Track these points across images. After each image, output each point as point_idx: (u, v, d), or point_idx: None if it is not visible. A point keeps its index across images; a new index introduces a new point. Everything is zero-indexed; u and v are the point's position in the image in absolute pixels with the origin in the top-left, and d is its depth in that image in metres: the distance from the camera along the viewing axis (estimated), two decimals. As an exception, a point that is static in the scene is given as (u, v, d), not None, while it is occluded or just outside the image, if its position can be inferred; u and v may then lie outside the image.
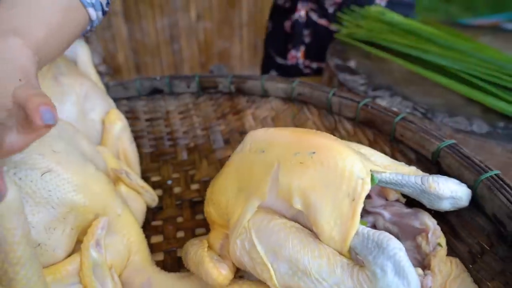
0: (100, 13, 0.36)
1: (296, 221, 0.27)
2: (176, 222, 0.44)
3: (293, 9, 0.80)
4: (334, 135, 0.41)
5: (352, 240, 0.24)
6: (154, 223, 0.44)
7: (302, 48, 0.79)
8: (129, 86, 0.52)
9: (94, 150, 0.37)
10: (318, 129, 0.44)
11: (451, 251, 0.29)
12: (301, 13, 0.78)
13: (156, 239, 0.42)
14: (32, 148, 0.29)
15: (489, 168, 0.28)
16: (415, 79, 0.53)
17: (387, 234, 0.23)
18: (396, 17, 0.66)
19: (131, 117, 0.52)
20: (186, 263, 0.35)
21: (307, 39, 0.79)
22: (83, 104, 0.41)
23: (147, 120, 0.53)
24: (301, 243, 0.25)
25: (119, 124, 0.43)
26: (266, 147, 0.31)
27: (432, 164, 0.33)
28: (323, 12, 0.76)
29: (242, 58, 2.81)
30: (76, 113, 0.41)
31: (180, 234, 0.43)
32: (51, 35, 0.30)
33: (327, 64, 0.59)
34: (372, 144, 0.39)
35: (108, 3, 0.40)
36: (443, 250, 0.27)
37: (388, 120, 0.37)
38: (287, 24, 0.82)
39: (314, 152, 0.27)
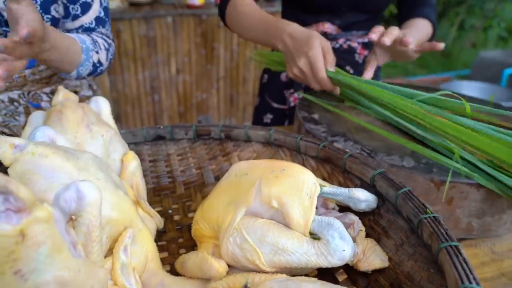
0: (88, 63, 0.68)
1: (272, 219, 0.39)
2: (177, 242, 0.55)
3: None
4: (302, 169, 0.54)
5: (311, 224, 0.36)
6: (160, 243, 0.54)
7: (302, 91, 0.96)
8: (137, 134, 0.64)
9: (119, 180, 0.48)
10: (290, 165, 0.57)
11: (384, 246, 0.42)
12: None
13: (163, 255, 0.52)
14: (84, 176, 0.40)
15: (404, 186, 0.41)
16: (363, 128, 0.68)
17: (332, 217, 0.36)
18: (348, 78, 0.83)
19: (138, 158, 0.63)
20: (185, 269, 0.45)
21: (303, 85, 0.97)
22: (108, 146, 0.53)
23: (150, 161, 0.65)
24: (279, 231, 0.37)
25: (134, 163, 0.54)
26: (249, 171, 0.44)
27: (370, 187, 0.46)
28: None
29: (219, 108, 2.99)
30: (103, 153, 0.52)
31: (182, 251, 0.53)
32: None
33: (296, 115, 0.73)
34: (330, 176, 0.52)
35: (99, 65, 0.65)
36: (362, 233, 0.42)
37: (340, 157, 0.50)
38: (284, 75, 1.00)
39: (284, 169, 0.40)
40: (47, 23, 0.54)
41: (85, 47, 0.67)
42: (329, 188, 0.43)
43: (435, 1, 0.91)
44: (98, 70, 0.75)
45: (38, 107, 0.83)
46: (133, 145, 0.64)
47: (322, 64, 0.69)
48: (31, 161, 0.39)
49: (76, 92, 0.89)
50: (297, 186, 0.39)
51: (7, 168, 0.39)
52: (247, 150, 0.62)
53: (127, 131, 0.63)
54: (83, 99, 0.91)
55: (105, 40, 0.77)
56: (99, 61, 0.73)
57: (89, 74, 0.74)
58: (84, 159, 0.43)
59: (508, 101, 3.28)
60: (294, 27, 0.73)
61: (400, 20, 0.92)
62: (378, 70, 1.01)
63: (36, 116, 0.53)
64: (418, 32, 0.81)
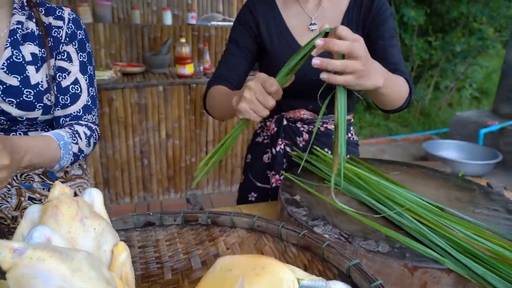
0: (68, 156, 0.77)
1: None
2: (164, 333, 0.56)
3: (271, 144, 1.04)
4: (284, 257, 0.58)
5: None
6: (146, 334, 0.55)
7: (282, 172, 1.01)
8: (128, 220, 0.67)
9: (110, 275, 0.50)
10: (273, 252, 0.60)
11: None
12: (281, 146, 1.02)
13: None
14: (77, 277, 0.43)
15: (377, 279, 0.45)
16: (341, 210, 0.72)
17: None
18: (327, 157, 0.89)
19: (127, 245, 0.66)
20: None
21: (285, 166, 1.02)
22: (99, 239, 0.56)
23: (139, 247, 0.67)
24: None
25: (124, 254, 0.57)
26: (233, 267, 0.47)
27: (347, 277, 0.49)
28: (295, 146, 1.02)
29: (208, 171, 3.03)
30: (94, 246, 0.55)
31: None
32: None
33: (279, 197, 0.78)
34: (310, 263, 0.56)
35: (79, 153, 0.72)
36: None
37: (319, 246, 0.54)
38: (266, 157, 1.05)
39: (264, 267, 0.43)
40: (11, 137, 0.62)
41: (63, 143, 0.74)
42: (307, 281, 0.46)
43: (406, 69, 0.92)
44: (80, 158, 0.81)
45: (30, 188, 0.87)
46: (123, 231, 0.67)
47: (272, 79, 0.67)
48: (29, 265, 0.41)
49: (66, 172, 0.93)
50: (277, 283, 0.42)
51: (6, 272, 0.42)
52: (233, 235, 0.65)
53: (118, 218, 0.67)
54: (74, 178, 0.95)
55: (89, 128, 0.84)
56: (79, 150, 0.80)
57: (72, 163, 0.79)
58: (77, 259, 0.45)
59: (486, 160, 3.42)
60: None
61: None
62: (355, 147, 1.08)
63: (32, 211, 0.56)
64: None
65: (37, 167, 0.74)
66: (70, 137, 0.76)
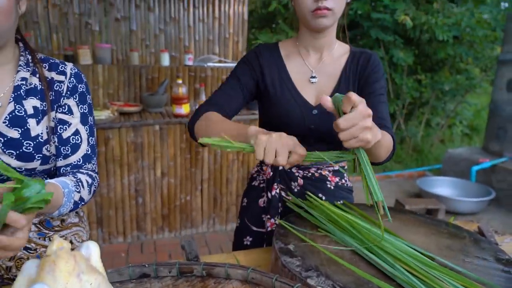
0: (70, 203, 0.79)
1: None
2: None
3: (267, 189, 1.06)
4: (278, 312, 0.58)
5: None
6: None
7: (278, 217, 1.02)
8: (123, 272, 0.67)
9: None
10: (267, 305, 0.61)
11: None
12: (276, 191, 1.04)
13: None
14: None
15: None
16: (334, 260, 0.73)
17: None
18: (321, 204, 0.91)
19: (122, 297, 0.66)
20: None
21: (280, 210, 1.03)
22: (95, 294, 0.56)
23: (134, 299, 0.67)
24: None
25: (119, 309, 0.57)
26: None
27: (340, 334, 0.50)
28: (290, 191, 1.03)
29: (203, 209, 3.02)
30: (89, 302, 0.55)
31: None
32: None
33: (274, 246, 0.79)
34: (304, 318, 0.56)
35: (80, 201, 0.74)
36: None
37: (312, 301, 0.55)
38: (261, 201, 1.07)
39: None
40: None
41: (67, 191, 0.75)
42: None
43: (391, 125, 0.99)
44: (79, 206, 0.82)
45: (26, 237, 0.87)
46: (119, 283, 0.67)
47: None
48: (25, 328, 0.42)
49: (63, 220, 0.94)
50: None
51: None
52: (227, 287, 0.66)
53: (114, 270, 0.67)
54: (70, 226, 0.95)
55: (90, 176, 0.85)
56: (80, 199, 0.81)
57: (70, 211, 0.80)
58: (74, 319, 0.46)
59: (479, 197, 3.44)
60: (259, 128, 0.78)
61: None
62: (349, 192, 1.11)
63: (30, 266, 0.57)
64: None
65: (40, 213, 0.76)
66: (74, 185, 0.78)
